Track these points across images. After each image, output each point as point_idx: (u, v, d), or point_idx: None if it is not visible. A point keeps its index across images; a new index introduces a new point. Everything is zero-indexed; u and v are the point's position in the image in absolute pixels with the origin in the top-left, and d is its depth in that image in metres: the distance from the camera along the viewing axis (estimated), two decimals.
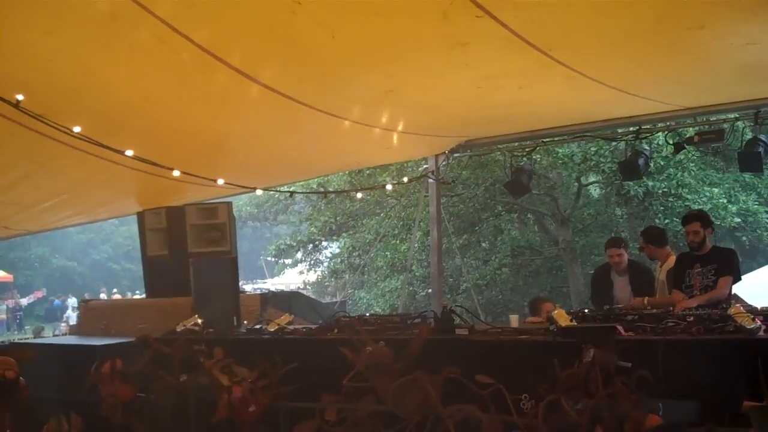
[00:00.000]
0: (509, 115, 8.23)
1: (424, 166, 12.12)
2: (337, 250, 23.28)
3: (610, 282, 7.82)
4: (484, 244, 19.80)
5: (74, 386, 7.08)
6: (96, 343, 7.49)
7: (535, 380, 4.56)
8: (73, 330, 9.34)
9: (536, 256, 18.33)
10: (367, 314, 6.95)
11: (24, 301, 36.07)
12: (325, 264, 24.49)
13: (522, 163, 10.03)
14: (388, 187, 14.10)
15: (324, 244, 24.21)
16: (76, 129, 6.41)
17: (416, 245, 16.33)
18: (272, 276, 35.91)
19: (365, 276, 20.61)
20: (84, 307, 9.11)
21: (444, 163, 10.57)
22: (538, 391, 4.53)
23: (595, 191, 17.96)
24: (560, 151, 15.39)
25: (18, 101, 5.71)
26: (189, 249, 8.53)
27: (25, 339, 11.93)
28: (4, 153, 7.52)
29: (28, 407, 6.62)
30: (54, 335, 13.55)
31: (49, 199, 9.28)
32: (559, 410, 4.38)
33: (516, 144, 10.15)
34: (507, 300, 18.74)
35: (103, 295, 30.64)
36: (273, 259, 29.94)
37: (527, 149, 10.04)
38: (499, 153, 11.22)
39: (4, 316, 33.00)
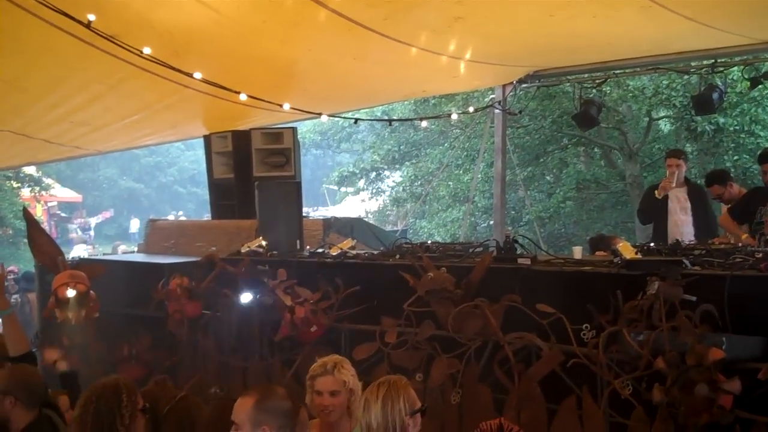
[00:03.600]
0: (580, 46, 8.02)
1: (491, 96, 11.93)
2: (400, 179, 23.28)
3: (665, 197, 7.79)
4: (548, 177, 19.58)
5: (142, 302, 7.31)
6: (163, 261, 7.68)
7: (597, 311, 4.55)
8: (141, 248, 9.57)
9: (602, 191, 18.04)
10: (429, 242, 6.95)
11: (92, 221, 37.04)
12: (387, 193, 24.55)
13: (591, 95, 9.82)
14: (453, 116, 13.92)
15: (386, 172, 24.24)
16: (146, 51, 6.45)
17: (479, 176, 16.22)
18: (334, 203, 36.17)
19: (427, 205, 20.60)
20: (151, 226, 9.31)
21: (511, 93, 10.39)
22: (600, 322, 4.52)
23: (665, 126, 17.47)
24: (631, 83, 15.00)
25: (89, 22, 5.74)
26: (254, 173, 8.63)
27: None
28: (76, 74, 7.64)
29: (98, 320, 6.88)
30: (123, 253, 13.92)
31: (119, 121, 9.42)
32: (621, 341, 4.37)
33: (586, 75, 9.91)
34: (570, 234, 18.59)
35: (171, 217, 31.28)
36: (335, 187, 30.13)
37: (597, 81, 9.81)
38: (568, 84, 10.99)
39: (75, 235, 34.01)
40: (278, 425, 3.31)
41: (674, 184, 7.77)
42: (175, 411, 3.81)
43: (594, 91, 9.81)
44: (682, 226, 7.75)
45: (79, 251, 12.86)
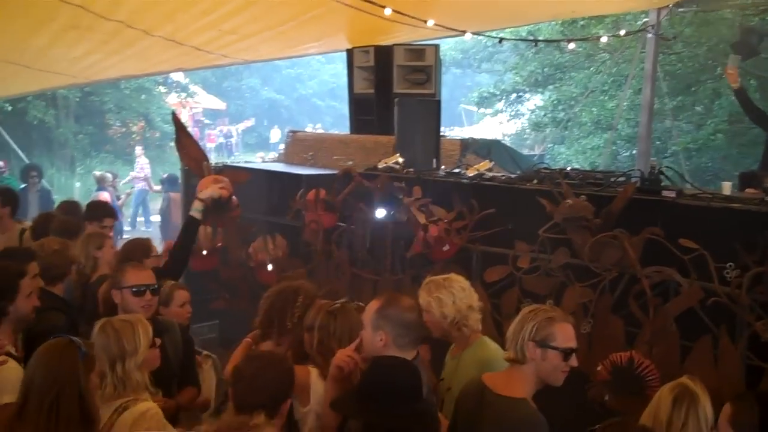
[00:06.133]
0: None
1: (644, 20, 11.42)
2: (541, 103, 22.77)
3: None
4: (698, 108, 18.64)
5: (280, 210, 7.52)
6: (301, 171, 7.84)
7: (743, 250, 4.35)
8: (280, 158, 9.79)
9: (755, 125, 17.06)
10: (568, 168, 6.78)
11: (234, 129, 38.14)
12: (526, 116, 24.08)
13: (753, 23, 9.21)
14: (603, 39, 13.43)
15: (527, 95, 23.73)
16: None
17: (625, 103, 15.67)
18: (470, 124, 35.80)
19: (567, 131, 20.11)
20: (291, 137, 9.49)
21: (666, 17, 9.91)
22: (746, 262, 4.32)
23: None
24: None
25: None
26: (394, 89, 8.61)
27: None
28: None
29: (238, 225, 7.14)
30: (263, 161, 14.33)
31: (266, 31, 9.55)
32: (765, 283, 4.17)
33: (749, 1, 9.30)
34: (717, 168, 17.72)
35: (309, 129, 31.88)
36: (473, 108, 29.77)
37: (761, 8, 9.18)
38: (728, 10, 10.37)
39: (218, 140, 35.17)
40: (395, 333, 3.40)
41: None
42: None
43: (756, 18, 9.19)
44: None
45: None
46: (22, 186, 12.13)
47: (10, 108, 21.52)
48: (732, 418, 2.71)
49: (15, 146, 15.36)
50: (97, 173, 16.76)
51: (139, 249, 5.29)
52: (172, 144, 7.72)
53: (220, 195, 5.77)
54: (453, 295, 4.02)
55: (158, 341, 3.74)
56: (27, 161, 14.96)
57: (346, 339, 3.55)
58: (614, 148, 17.98)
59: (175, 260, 5.48)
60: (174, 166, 19.71)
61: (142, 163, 19.58)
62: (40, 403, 2.89)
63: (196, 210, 5.57)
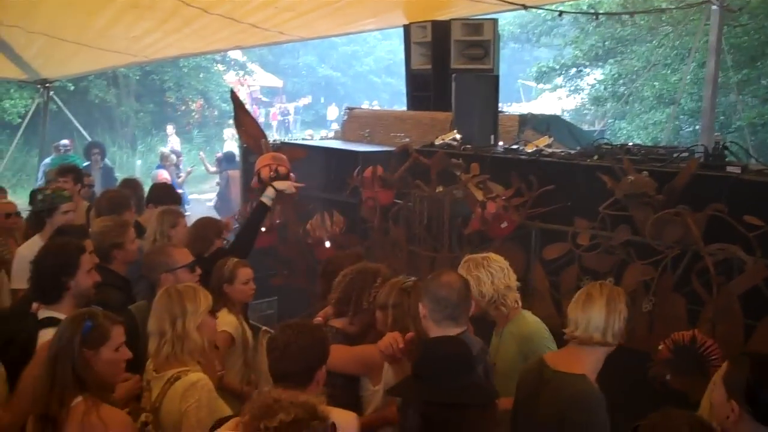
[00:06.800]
0: None
1: None
2: (601, 77, 22.42)
3: None
4: (764, 82, 18.15)
5: (337, 187, 7.55)
6: (358, 148, 7.84)
7: None
8: (337, 135, 9.82)
9: None
10: (630, 143, 6.65)
11: (291, 107, 38.33)
12: (586, 91, 23.73)
13: None
14: (665, 11, 13.12)
15: (587, 69, 23.37)
16: None
17: (688, 77, 15.32)
18: (528, 100, 35.41)
19: (628, 106, 19.78)
20: (348, 114, 9.50)
21: None
22: None
23: None
24: None
25: None
26: (452, 64, 8.53)
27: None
28: None
29: (296, 202, 7.19)
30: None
31: (323, 7, 9.54)
32: None
33: None
34: None
35: (365, 106, 31.92)
36: (531, 83, 29.44)
37: None
38: None
39: (277, 119, 35.40)
40: (430, 308, 3.45)
41: None
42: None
43: None
44: None
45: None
46: (86, 164, 12.37)
47: (72, 87, 21.96)
48: (725, 376, 2.72)
49: (78, 125, 15.66)
50: (165, 150, 17.02)
51: (212, 228, 5.43)
52: (231, 122, 7.80)
53: (292, 190, 5.91)
54: (492, 275, 4.01)
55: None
56: (89, 139, 15.25)
57: (419, 316, 3.57)
58: (677, 123, 17.64)
59: (242, 241, 5.67)
60: (230, 143, 20.01)
61: (173, 142, 19.85)
62: (45, 365, 3.11)
63: (268, 197, 5.77)
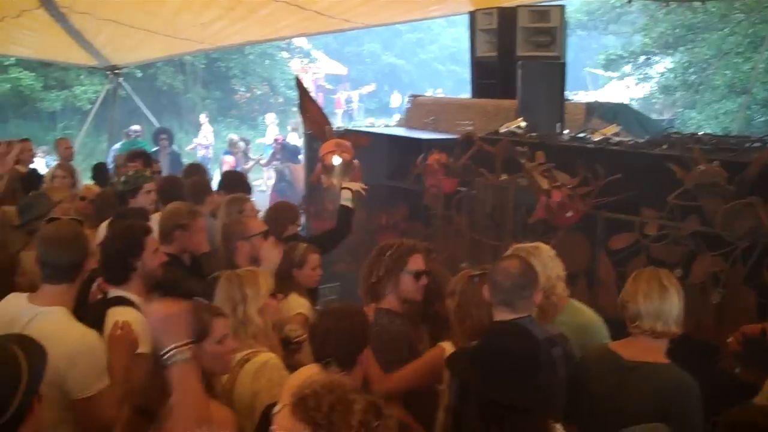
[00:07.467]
0: None
1: None
2: (671, 65, 21.95)
3: None
4: None
5: (401, 174, 7.55)
6: (422, 136, 7.83)
7: None
8: (401, 122, 9.81)
9: None
10: (700, 133, 6.50)
11: (355, 94, 38.40)
12: (655, 79, 23.25)
13: None
14: None
15: (656, 57, 22.89)
16: None
17: (761, 66, 14.91)
18: (595, 88, 34.86)
19: (698, 95, 19.34)
20: (412, 101, 9.49)
21: None
22: None
23: None
24: None
25: None
26: (517, 52, 8.43)
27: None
28: None
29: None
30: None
31: None
32: None
33: None
34: None
35: (429, 93, 31.78)
36: (598, 71, 28.97)
37: None
38: None
39: (342, 108, 35.53)
40: (491, 292, 3.51)
41: None
42: None
43: None
44: None
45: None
46: (154, 149, 12.61)
47: (140, 74, 22.40)
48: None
49: (146, 111, 15.97)
50: (235, 137, 17.16)
51: (290, 214, 5.56)
52: (295, 109, 7.86)
53: (361, 191, 6.07)
54: (542, 265, 3.95)
55: (280, 296, 4.04)
56: (157, 125, 15.52)
57: (484, 304, 3.57)
58: (749, 112, 17.18)
59: (329, 239, 5.87)
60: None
61: (206, 131, 19.94)
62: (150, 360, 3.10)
63: (347, 200, 5.92)
